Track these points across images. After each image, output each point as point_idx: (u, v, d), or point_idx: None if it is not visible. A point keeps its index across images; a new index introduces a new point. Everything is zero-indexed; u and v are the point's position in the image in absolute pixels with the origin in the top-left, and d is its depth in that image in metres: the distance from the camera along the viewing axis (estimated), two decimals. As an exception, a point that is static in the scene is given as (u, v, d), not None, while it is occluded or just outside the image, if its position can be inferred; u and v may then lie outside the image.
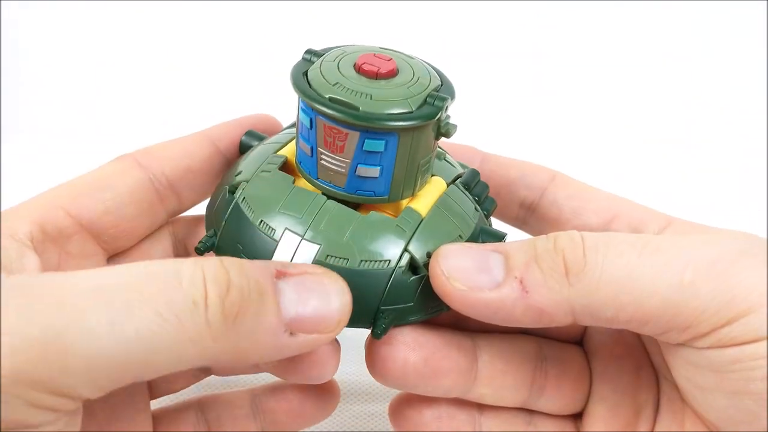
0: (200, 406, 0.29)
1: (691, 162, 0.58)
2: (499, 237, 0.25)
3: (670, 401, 0.26)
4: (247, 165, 0.26)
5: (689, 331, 0.21)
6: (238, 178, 0.25)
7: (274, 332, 0.19)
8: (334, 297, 0.21)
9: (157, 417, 0.28)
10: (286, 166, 0.25)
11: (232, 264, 0.19)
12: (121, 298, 0.17)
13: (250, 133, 0.28)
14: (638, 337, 0.27)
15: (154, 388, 0.28)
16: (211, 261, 0.19)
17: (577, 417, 0.28)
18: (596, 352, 0.28)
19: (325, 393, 0.28)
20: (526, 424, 0.27)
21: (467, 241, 0.25)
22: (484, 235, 0.26)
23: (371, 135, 0.22)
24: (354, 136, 0.22)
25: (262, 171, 0.25)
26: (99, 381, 0.18)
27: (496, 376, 0.26)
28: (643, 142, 0.60)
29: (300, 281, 0.20)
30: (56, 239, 0.24)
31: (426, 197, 0.25)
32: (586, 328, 0.29)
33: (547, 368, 0.27)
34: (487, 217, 0.27)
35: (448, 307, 0.23)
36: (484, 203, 0.27)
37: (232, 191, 0.25)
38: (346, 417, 0.35)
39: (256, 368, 0.30)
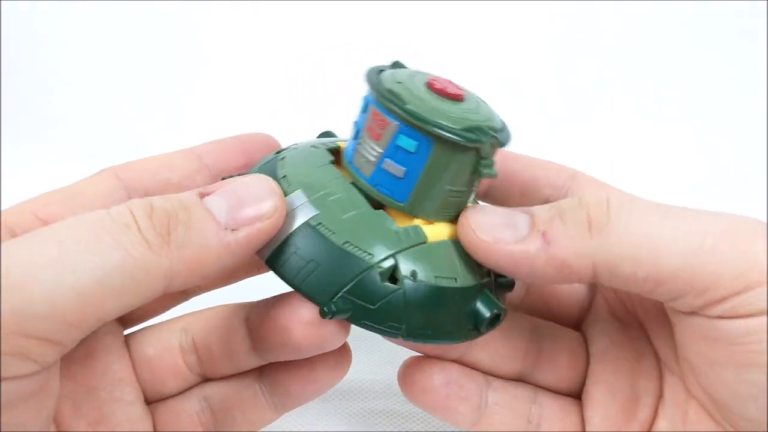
0: (203, 392, 0.28)
1: (704, 160, 0.57)
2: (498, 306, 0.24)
3: (674, 393, 0.26)
4: (306, 142, 0.27)
5: (705, 295, 0.21)
6: (291, 146, 0.27)
7: (215, 234, 0.21)
8: (258, 186, 0.22)
9: (157, 407, 0.28)
10: (336, 153, 0.26)
11: (154, 197, 0.21)
12: (57, 237, 0.19)
13: (326, 133, 0.29)
14: (643, 329, 0.28)
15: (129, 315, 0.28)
16: (134, 199, 0.21)
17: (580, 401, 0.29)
18: (597, 338, 0.29)
19: (335, 352, 0.27)
20: (531, 401, 0.28)
21: (459, 294, 0.24)
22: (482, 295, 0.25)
23: (407, 131, 0.22)
24: (392, 127, 0.23)
25: (312, 146, 0.26)
26: (65, 317, 0.18)
27: (491, 342, 0.28)
28: (661, 140, 0.59)
29: (221, 191, 0.22)
30: None
31: (443, 230, 0.24)
32: (587, 312, 0.30)
33: (542, 342, 0.29)
34: (499, 289, 0.26)
35: (404, 334, 0.23)
36: (501, 277, 0.26)
37: (278, 151, 0.26)
38: (346, 415, 0.35)
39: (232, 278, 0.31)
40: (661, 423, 0.26)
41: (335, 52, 0.60)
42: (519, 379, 0.29)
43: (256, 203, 0.21)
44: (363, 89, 0.24)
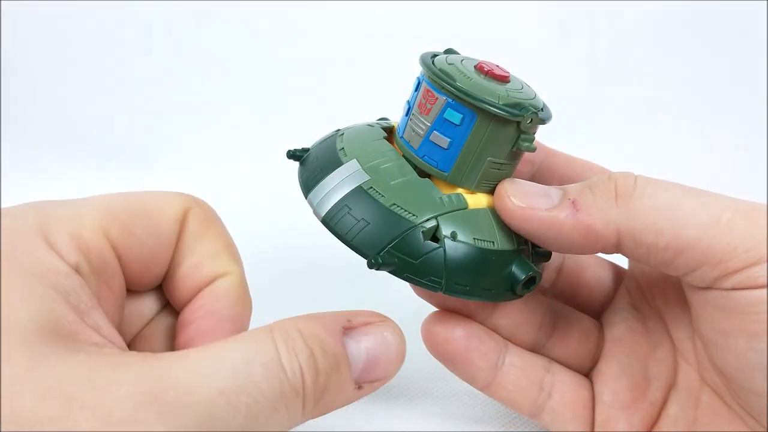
0: None
1: (705, 160, 0.57)
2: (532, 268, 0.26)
3: (688, 381, 0.28)
4: (363, 122, 0.30)
5: (720, 266, 0.23)
6: (350, 126, 0.29)
7: (348, 396, 0.22)
8: (393, 345, 0.23)
9: None
10: (389, 131, 0.29)
11: (313, 341, 0.21)
12: (242, 401, 0.19)
13: (383, 119, 0.31)
14: (663, 321, 0.29)
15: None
16: (299, 343, 0.21)
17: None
18: (615, 325, 0.30)
19: None
20: (545, 370, 0.30)
21: (497, 256, 0.26)
22: (519, 261, 0.26)
23: (454, 105, 0.25)
24: (441, 102, 0.25)
25: (368, 124, 0.29)
26: None
27: (511, 311, 0.29)
28: (660, 141, 0.59)
29: (363, 333, 0.23)
30: (98, 271, 0.22)
31: (482, 199, 0.27)
32: (609, 302, 0.32)
33: (557, 320, 0.30)
34: (536, 258, 0.28)
35: (443, 288, 0.25)
36: (539, 247, 0.28)
37: (338, 129, 0.29)
38: (345, 417, 0.35)
39: None
40: (673, 407, 0.28)
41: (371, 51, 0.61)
42: (533, 350, 0.30)
43: (387, 369, 0.23)
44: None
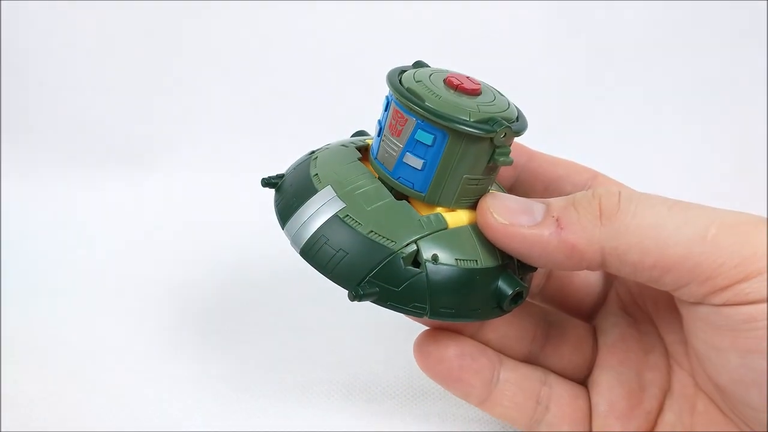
0: None
1: (704, 161, 0.57)
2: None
3: (683, 386, 0.27)
4: (337, 142, 0.29)
5: (708, 283, 0.22)
6: (324, 146, 0.29)
7: None
8: None
9: None
10: (364, 151, 0.28)
11: None
12: None
13: (360, 132, 0.31)
14: (654, 325, 0.29)
15: None
16: None
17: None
18: (607, 330, 0.30)
19: None
20: (541, 382, 0.29)
21: (481, 274, 0.25)
22: (505, 276, 0.26)
23: (424, 126, 0.24)
24: (411, 123, 0.25)
25: (342, 145, 0.28)
26: None
27: (501, 325, 0.29)
28: (659, 142, 0.59)
29: None
30: None
31: (463, 216, 0.26)
32: (600, 307, 0.31)
33: (549, 329, 0.30)
34: (522, 270, 0.27)
35: (428, 313, 0.24)
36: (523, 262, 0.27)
37: (312, 151, 0.29)
38: (347, 416, 0.35)
39: None
40: (668, 414, 0.27)
41: (357, 56, 0.60)
42: (527, 362, 0.30)
43: None
44: (385, 90, 0.26)
